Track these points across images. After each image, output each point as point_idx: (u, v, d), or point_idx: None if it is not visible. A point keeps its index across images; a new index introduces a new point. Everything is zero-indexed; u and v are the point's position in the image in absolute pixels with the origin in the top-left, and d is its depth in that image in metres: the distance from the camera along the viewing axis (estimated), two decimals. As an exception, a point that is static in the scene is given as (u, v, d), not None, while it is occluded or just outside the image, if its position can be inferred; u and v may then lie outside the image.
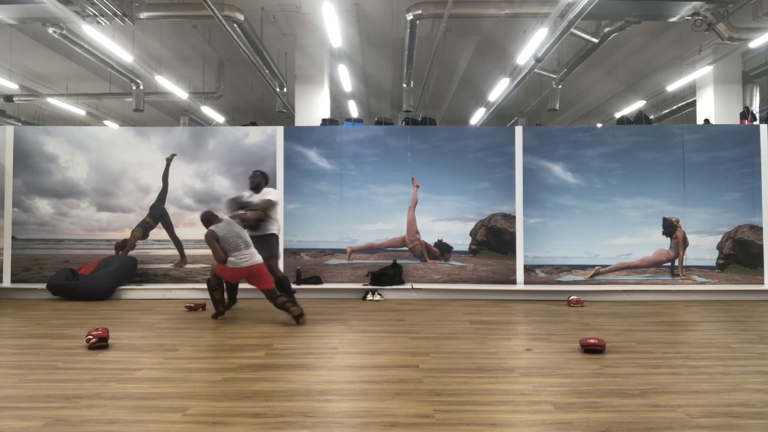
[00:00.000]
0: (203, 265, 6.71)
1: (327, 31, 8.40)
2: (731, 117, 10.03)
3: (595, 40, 8.76)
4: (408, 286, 6.46)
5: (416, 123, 7.04)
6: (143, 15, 7.96)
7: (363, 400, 2.76)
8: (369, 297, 6.28)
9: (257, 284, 4.96)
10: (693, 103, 11.83)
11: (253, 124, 7.20)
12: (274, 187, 6.62)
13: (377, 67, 13.16)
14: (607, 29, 8.49)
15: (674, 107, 13.16)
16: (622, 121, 6.97)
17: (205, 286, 6.56)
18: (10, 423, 2.42)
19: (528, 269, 6.59)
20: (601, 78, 13.65)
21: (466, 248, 6.66)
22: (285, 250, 6.69)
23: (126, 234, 6.76)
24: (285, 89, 11.68)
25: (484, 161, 6.71)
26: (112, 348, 3.84)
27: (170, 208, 6.77)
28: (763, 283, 6.43)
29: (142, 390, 2.89)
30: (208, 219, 5.17)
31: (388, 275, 6.46)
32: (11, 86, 11.67)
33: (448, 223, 6.69)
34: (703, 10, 7.73)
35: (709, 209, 6.56)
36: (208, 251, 6.76)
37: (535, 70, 9.53)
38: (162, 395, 2.80)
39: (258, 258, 4.98)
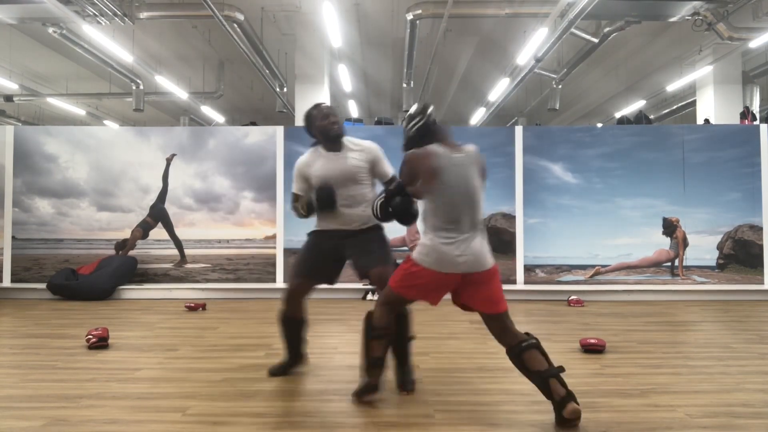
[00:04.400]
0: (203, 265, 6.71)
1: (327, 31, 8.40)
2: (731, 117, 10.02)
3: (595, 40, 8.76)
4: (408, 286, 6.45)
5: (416, 123, 7.03)
6: (143, 15, 7.96)
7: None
8: (369, 297, 6.28)
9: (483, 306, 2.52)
10: (693, 103, 11.83)
11: (253, 124, 7.20)
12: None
13: (377, 67, 13.15)
14: (607, 29, 8.48)
15: (674, 107, 13.16)
16: (622, 121, 6.98)
17: (205, 285, 6.56)
18: (10, 423, 2.41)
19: (528, 269, 6.58)
20: (601, 78, 13.64)
21: (466, 248, 6.64)
22: (285, 250, 6.69)
23: (126, 234, 6.76)
24: (285, 89, 11.68)
25: (484, 161, 6.70)
26: (112, 348, 3.83)
27: (170, 208, 6.76)
28: (763, 283, 6.42)
29: (142, 390, 2.88)
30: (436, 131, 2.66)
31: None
32: (11, 86, 11.68)
33: (448, 223, 6.68)
34: (703, 10, 7.73)
35: (709, 209, 6.56)
36: (208, 251, 6.77)
37: (535, 70, 9.52)
38: (162, 395, 2.80)
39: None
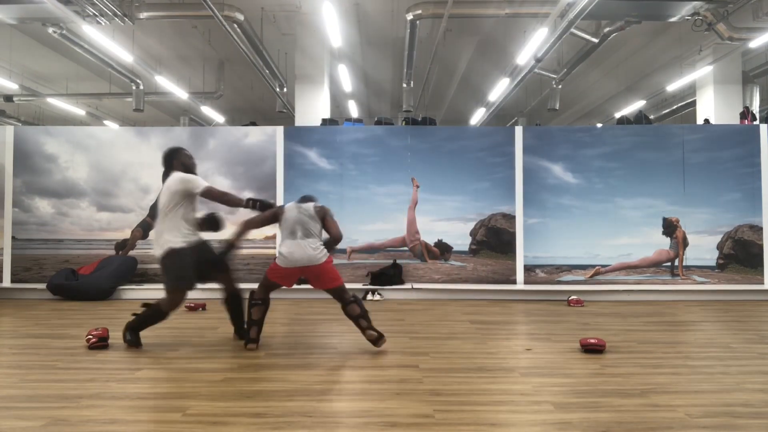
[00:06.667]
0: (203, 265, 6.69)
1: (327, 31, 8.40)
2: (731, 117, 10.03)
3: (595, 40, 8.76)
4: (408, 286, 6.46)
5: (416, 123, 7.03)
6: (143, 15, 7.95)
7: (363, 400, 2.76)
8: (369, 297, 6.28)
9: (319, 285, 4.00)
10: (693, 103, 11.82)
11: (253, 124, 7.19)
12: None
13: (377, 67, 13.15)
14: (607, 29, 8.48)
15: (674, 107, 13.15)
16: (622, 121, 6.97)
17: (205, 285, 6.50)
18: (10, 423, 2.41)
19: (528, 269, 6.58)
20: (601, 78, 13.64)
21: (466, 248, 6.66)
22: (285, 250, 6.69)
23: (126, 234, 6.76)
24: (285, 89, 11.67)
25: (484, 161, 6.71)
26: (112, 348, 3.84)
27: (170, 208, 6.75)
28: (763, 283, 6.43)
29: (142, 390, 2.88)
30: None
31: (388, 275, 6.46)
32: (11, 86, 11.67)
33: (448, 223, 6.69)
34: (703, 10, 7.72)
35: (709, 209, 6.56)
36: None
37: (535, 70, 9.52)
38: (162, 395, 2.80)
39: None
